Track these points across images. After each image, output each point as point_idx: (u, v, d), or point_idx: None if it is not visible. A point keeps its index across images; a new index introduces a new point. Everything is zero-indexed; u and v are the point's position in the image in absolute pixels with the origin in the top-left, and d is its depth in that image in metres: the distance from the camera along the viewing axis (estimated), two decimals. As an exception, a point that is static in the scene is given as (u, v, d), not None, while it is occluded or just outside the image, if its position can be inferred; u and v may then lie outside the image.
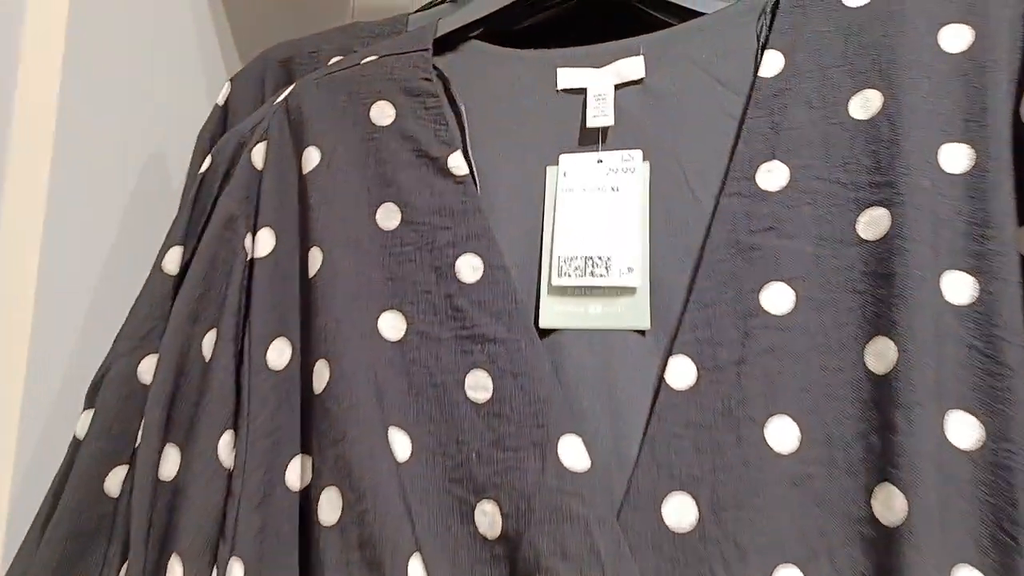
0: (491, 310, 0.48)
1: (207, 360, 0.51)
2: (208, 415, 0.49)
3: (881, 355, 0.42)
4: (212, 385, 0.50)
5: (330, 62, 0.60)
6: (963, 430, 0.41)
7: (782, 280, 0.45)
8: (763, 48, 0.51)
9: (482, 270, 0.49)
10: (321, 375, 0.48)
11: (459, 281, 0.49)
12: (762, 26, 0.51)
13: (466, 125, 0.54)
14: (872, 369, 0.43)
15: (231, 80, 0.63)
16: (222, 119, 0.61)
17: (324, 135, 0.54)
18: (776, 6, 0.51)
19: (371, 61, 0.56)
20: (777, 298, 0.45)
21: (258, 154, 0.55)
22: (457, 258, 0.50)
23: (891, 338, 0.42)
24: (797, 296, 0.45)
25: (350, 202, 0.53)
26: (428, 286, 0.50)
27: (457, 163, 0.51)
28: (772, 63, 0.49)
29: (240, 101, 0.62)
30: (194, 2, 0.71)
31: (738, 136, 0.49)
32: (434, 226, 0.51)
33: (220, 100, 0.63)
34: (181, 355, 0.51)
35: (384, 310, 0.50)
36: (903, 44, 0.47)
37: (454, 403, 0.47)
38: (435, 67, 0.55)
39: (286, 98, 0.56)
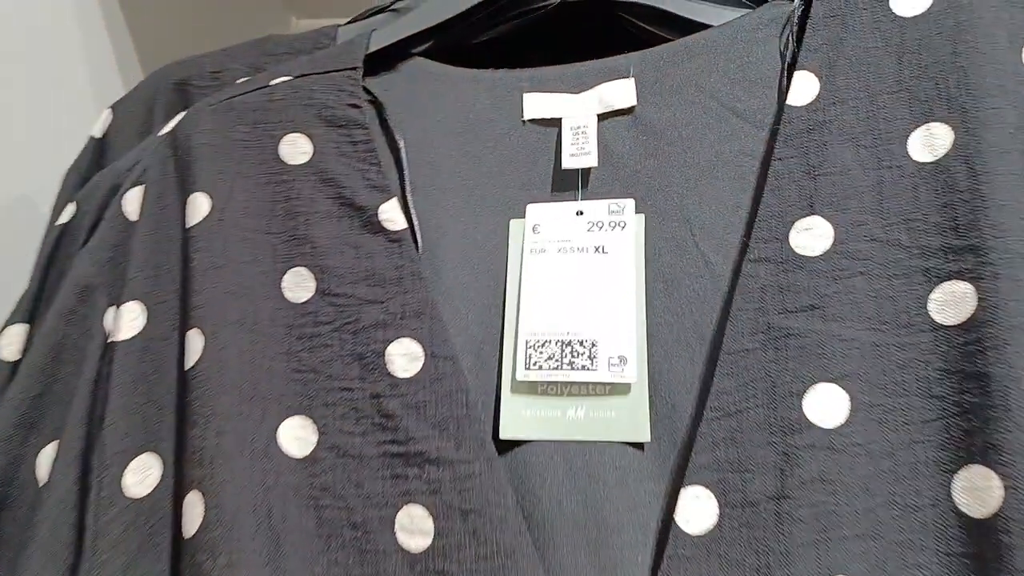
0: (433, 418, 0.35)
1: (40, 485, 0.37)
2: (37, 564, 0.35)
3: (978, 491, 0.30)
4: (43, 522, 0.36)
5: (239, 82, 0.47)
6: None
7: (831, 380, 0.33)
8: (790, 69, 0.39)
9: (422, 361, 0.36)
10: (193, 512, 0.35)
11: (390, 376, 0.36)
12: (788, 41, 0.40)
13: (405, 166, 0.41)
14: (966, 511, 0.30)
15: (112, 107, 0.50)
16: (97, 155, 0.48)
17: (217, 177, 0.41)
18: (805, 16, 0.39)
19: (283, 83, 0.43)
20: (826, 405, 0.33)
21: (132, 202, 0.42)
22: (388, 344, 0.37)
23: (992, 468, 0.30)
24: (852, 402, 0.33)
25: (247, 266, 0.40)
26: (348, 382, 0.37)
27: (392, 215, 0.39)
28: (804, 88, 0.38)
29: (121, 133, 0.49)
30: (80, 3, 0.57)
31: (762, 182, 0.37)
32: (359, 299, 0.38)
33: (96, 131, 0.50)
34: (4, 478, 0.37)
35: (287, 415, 0.37)
36: (978, 64, 0.35)
37: (380, 553, 0.34)
38: (366, 90, 0.43)
39: (173, 129, 0.44)
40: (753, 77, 0.40)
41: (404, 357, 0.37)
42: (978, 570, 0.30)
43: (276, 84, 0.43)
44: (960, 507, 0.31)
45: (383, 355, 0.37)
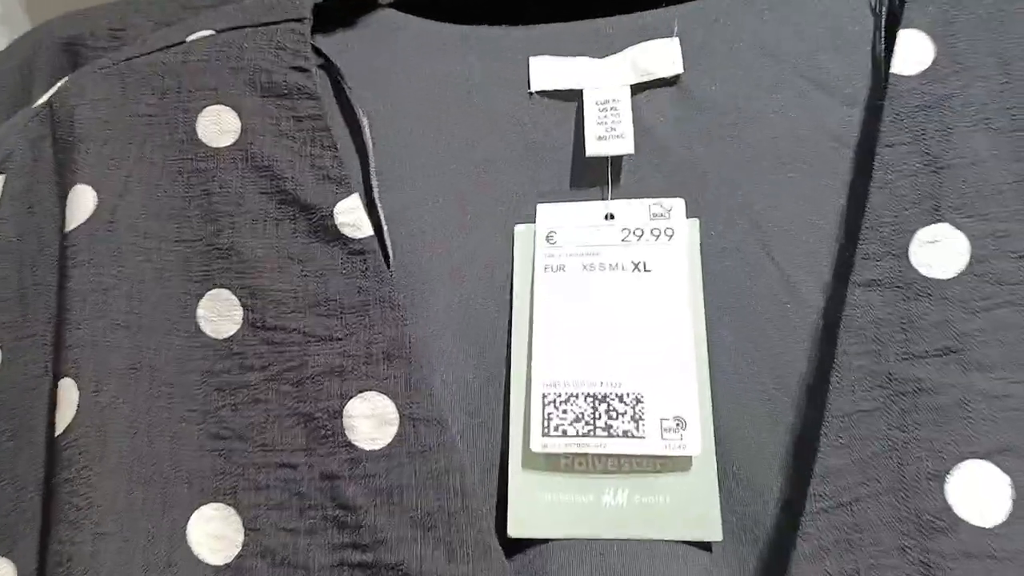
0: (413, 511, 0.25)
1: None
2: None
3: None
4: None
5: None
6: None
7: (983, 456, 0.24)
8: (889, 27, 0.30)
9: (395, 426, 0.26)
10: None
11: (351, 447, 0.26)
12: (883, -11, 0.30)
13: (371, 151, 0.31)
14: None
15: (-23, 73, 0.38)
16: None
17: (110, 164, 0.30)
18: (906, -44, 0.30)
19: (203, 39, 0.32)
20: (979, 492, 0.24)
21: (-11, 197, 0.30)
22: (348, 401, 0.26)
23: None
24: (1016, 488, 0.24)
25: (148, 287, 0.29)
26: (289, 455, 0.26)
27: (352, 217, 0.28)
28: (913, 52, 0.28)
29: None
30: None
31: (859, 178, 0.28)
32: (305, 335, 0.27)
33: (-45, 104, 0.38)
34: None
35: (201, 503, 0.26)
36: None
37: None
38: (317, 51, 0.32)
39: (50, 101, 0.32)
40: (839, 37, 0.31)
41: (370, 420, 0.26)
42: None
43: (194, 40, 0.32)
44: None
45: (340, 416, 0.26)
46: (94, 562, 0.24)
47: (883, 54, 0.30)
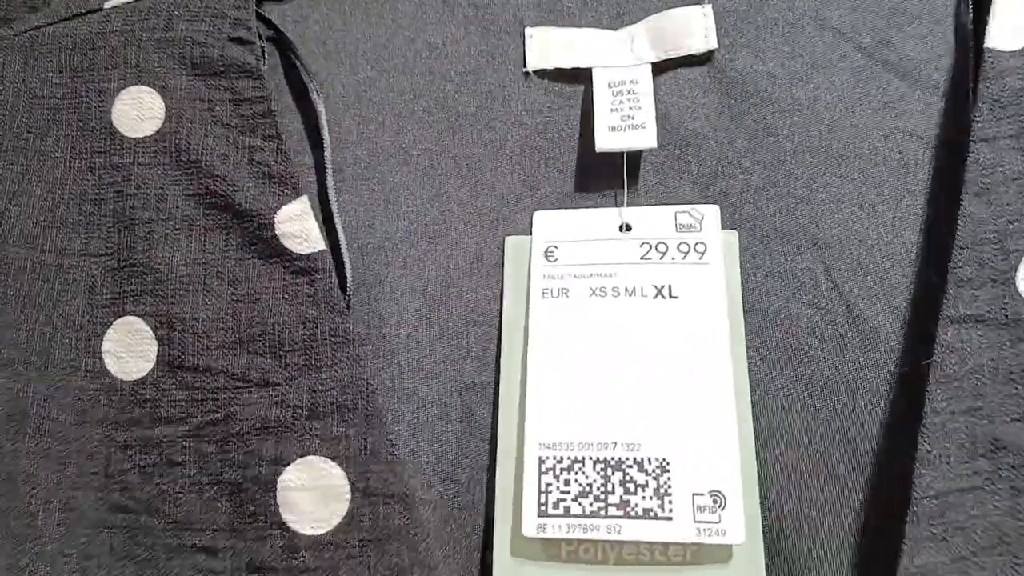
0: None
1: None
2: None
3: None
4: None
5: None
6: None
7: None
8: (978, -8, 0.24)
9: (346, 502, 0.20)
10: None
11: (287, 530, 0.20)
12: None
13: (327, 143, 0.25)
14: None
15: None
16: None
17: (3, 156, 0.24)
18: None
19: (124, 5, 0.27)
20: None
21: None
22: (285, 468, 0.20)
23: None
24: None
25: (40, 314, 0.23)
26: (211, 537, 0.21)
27: (298, 227, 0.23)
28: (1013, 20, 0.23)
29: None
30: None
31: (942, 180, 0.22)
32: (235, 379, 0.22)
33: None
34: None
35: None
36: None
37: None
38: (264, 20, 0.26)
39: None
40: (912, 6, 0.25)
41: (313, 494, 0.20)
42: None
43: (113, 7, 0.27)
44: None
45: (274, 488, 0.20)
46: None
47: (971, 24, 0.24)
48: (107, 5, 0.27)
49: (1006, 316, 0.20)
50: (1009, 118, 0.22)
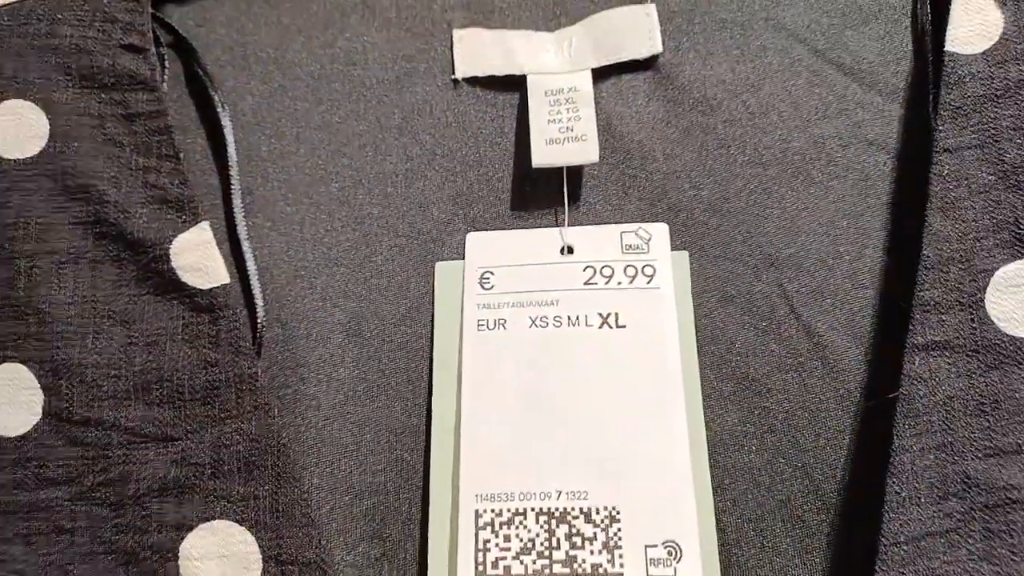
0: None
1: None
2: None
3: None
4: None
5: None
6: None
7: None
8: (937, -12, 0.24)
9: (257, 572, 0.18)
10: None
11: (189, 608, 0.18)
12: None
13: (232, 160, 0.23)
14: None
15: None
16: None
17: None
18: None
19: (3, 7, 0.25)
20: None
21: None
22: (187, 533, 0.19)
23: None
24: None
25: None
26: None
27: (199, 257, 0.21)
28: (973, 22, 0.23)
29: None
30: None
31: (904, 194, 0.22)
32: (129, 433, 0.20)
33: None
34: None
35: None
36: None
37: None
38: (162, 23, 0.25)
39: None
40: (867, 5, 0.25)
41: (220, 563, 0.19)
42: None
43: (-11, 9, 0.25)
44: None
45: (175, 557, 0.19)
46: None
47: (928, 26, 0.23)
48: (-16, 9, 0.25)
49: (975, 342, 0.19)
50: (972, 127, 0.21)
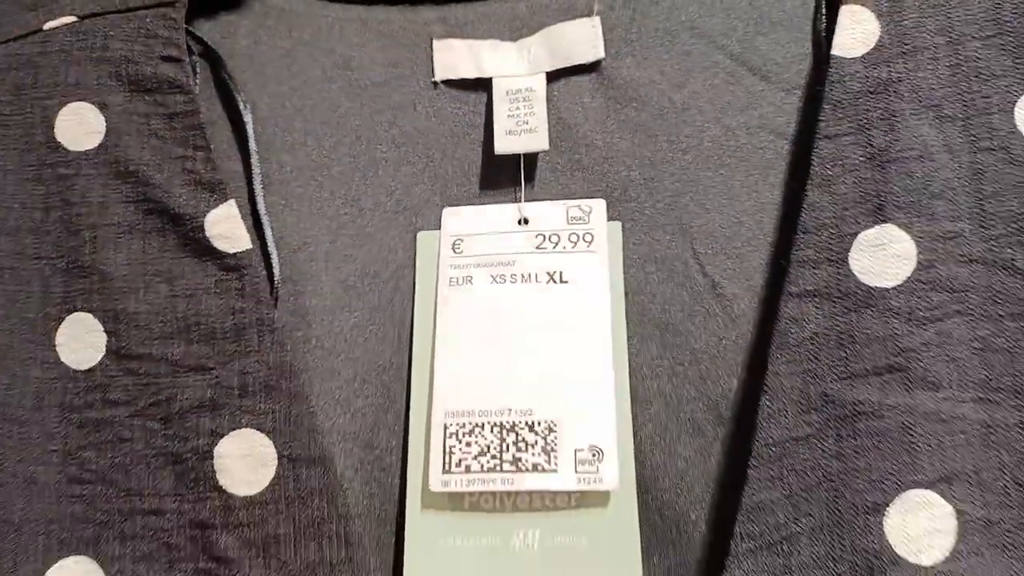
0: (291, 564, 0.24)
1: None
2: None
3: None
4: None
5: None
6: None
7: (925, 485, 0.24)
8: (829, 3, 0.29)
9: (273, 468, 0.25)
10: None
11: (223, 492, 0.25)
12: (823, -40, 0.29)
13: (253, 150, 0.29)
14: None
15: None
16: None
17: (-48, 171, 0.29)
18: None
19: (63, 26, 0.31)
20: (919, 525, 0.23)
21: None
22: (220, 439, 0.25)
23: None
24: (960, 518, 0.23)
25: (2, 310, 0.28)
26: (157, 501, 0.25)
27: (227, 228, 0.27)
28: (856, 30, 0.28)
29: None
30: None
31: (799, 173, 0.27)
32: (174, 365, 0.26)
33: None
34: None
35: (60, 556, 0.25)
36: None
37: None
38: (194, 36, 0.30)
39: None
40: (775, 16, 0.30)
41: (244, 461, 0.25)
42: None
43: (52, 28, 0.31)
44: None
45: (211, 457, 0.25)
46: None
47: (824, 34, 0.29)
48: (46, 26, 0.31)
49: (840, 290, 0.25)
50: (849, 118, 0.26)
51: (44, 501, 0.26)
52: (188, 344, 0.26)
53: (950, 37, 0.27)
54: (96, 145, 0.29)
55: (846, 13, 0.28)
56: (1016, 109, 0.26)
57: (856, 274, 0.25)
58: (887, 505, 0.23)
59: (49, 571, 0.25)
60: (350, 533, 0.24)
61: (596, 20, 0.30)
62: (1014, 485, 0.23)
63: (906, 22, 0.27)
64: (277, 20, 0.32)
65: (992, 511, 0.23)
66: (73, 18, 0.31)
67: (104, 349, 0.27)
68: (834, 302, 0.25)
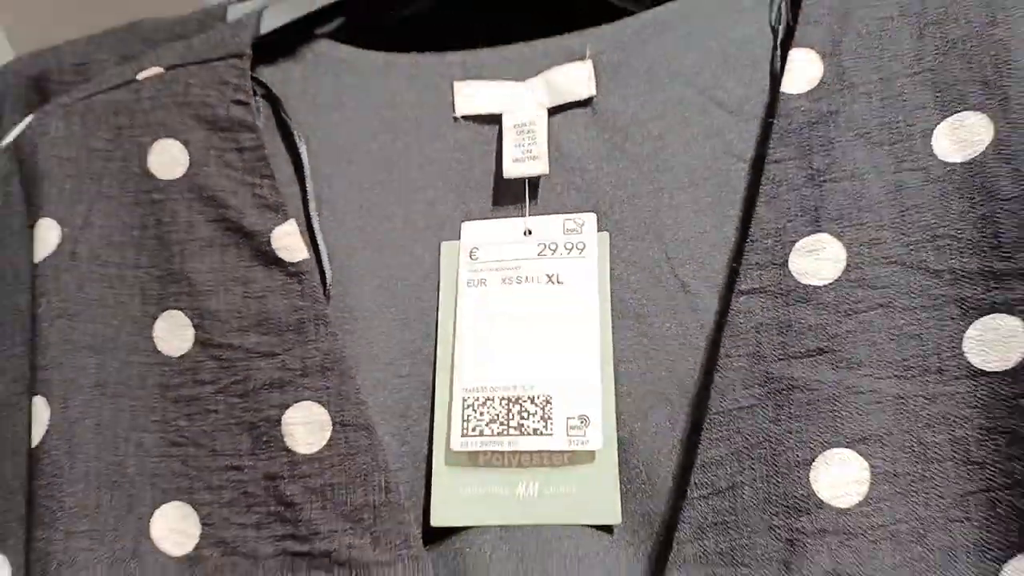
0: (344, 506, 0.30)
1: None
2: None
3: None
4: None
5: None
6: None
7: (846, 444, 0.29)
8: (783, 46, 0.34)
9: (328, 432, 0.31)
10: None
11: (289, 451, 0.31)
12: (780, 10, 0.35)
13: (308, 177, 0.36)
14: None
15: (-52, 109, 0.44)
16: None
17: (71, 198, 0.36)
18: (801, -21, 0.35)
19: (153, 76, 0.38)
20: (840, 477, 0.29)
21: (-35, 230, 0.36)
22: (286, 410, 0.32)
23: None
24: (873, 472, 0.29)
25: (110, 312, 0.35)
26: (238, 459, 0.32)
27: (289, 241, 0.34)
28: (803, 71, 0.33)
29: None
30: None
31: (753, 191, 0.32)
32: (249, 351, 0.33)
33: (-69, 139, 0.43)
34: None
35: (163, 501, 0.32)
36: (1022, 35, 0.31)
37: None
38: (258, 82, 0.37)
39: (17, 138, 0.38)
40: (739, 58, 0.35)
41: (306, 427, 0.31)
42: None
43: (144, 78, 0.38)
44: None
45: (279, 424, 0.32)
46: (66, 557, 0.30)
47: (780, 73, 0.34)
48: (139, 76, 0.38)
49: (780, 288, 0.31)
50: (794, 145, 0.32)
51: (149, 459, 0.33)
52: (260, 335, 0.33)
53: (881, 75, 0.32)
54: (181, 175, 0.36)
55: (795, 55, 0.33)
56: (933, 136, 0.31)
57: (794, 275, 0.31)
58: (813, 460, 0.29)
59: (155, 513, 0.32)
60: (389, 483, 0.30)
61: (588, 63, 0.36)
62: (918, 445, 0.29)
63: (845, 62, 0.33)
64: (326, 67, 0.38)
65: (899, 466, 0.29)
66: (160, 69, 0.38)
67: (192, 340, 0.34)
68: (776, 298, 0.31)
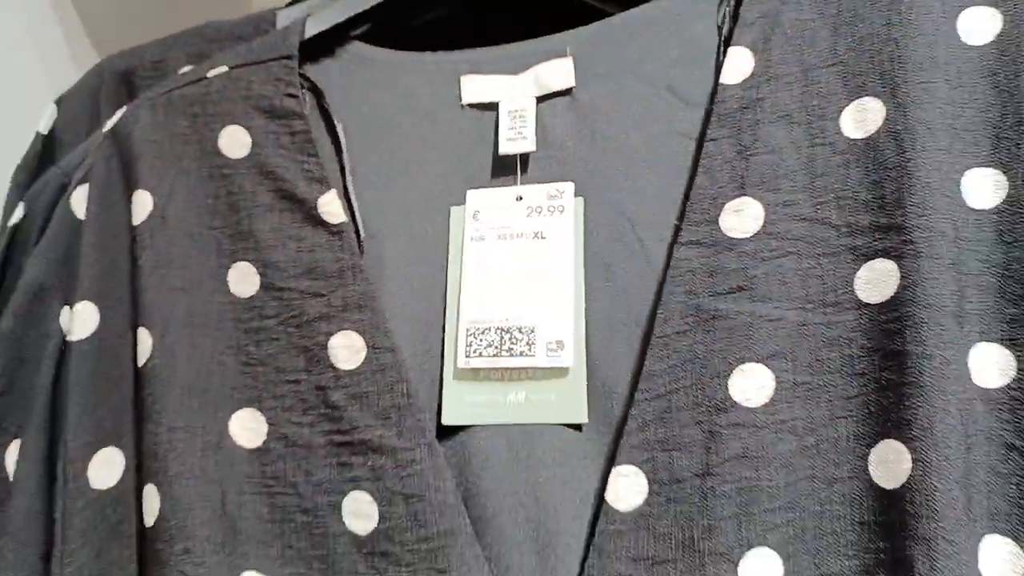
0: (375, 407, 0.40)
1: (9, 480, 0.42)
2: (11, 553, 0.41)
3: (890, 464, 0.35)
4: (15, 515, 0.41)
5: (179, 73, 0.51)
6: (1004, 566, 0.33)
7: (757, 360, 0.37)
8: (726, 44, 0.43)
9: (364, 353, 0.41)
10: (151, 504, 0.40)
11: (334, 368, 0.41)
12: (725, 15, 0.43)
13: (345, 155, 0.45)
14: (879, 483, 0.35)
15: (56, 102, 0.54)
16: (44, 152, 0.53)
17: (159, 173, 0.46)
18: (743, -13, 0.43)
19: (220, 74, 0.47)
20: (751, 384, 0.37)
21: (79, 200, 0.46)
22: (331, 337, 0.41)
23: (902, 442, 0.34)
24: (777, 381, 0.37)
25: (193, 262, 0.44)
26: (295, 374, 0.42)
27: (331, 207, 0.43)
28: (738, 65, 0.41)
29: (69, 128, 0.53)
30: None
31: (696, 164, 0.41)
32: (302, 292, 0.42)
33: (42, 127, 0.54)
34: (-30, 477, 0.42)
35: (238, 407, 0.42)
36: (911, 35, 0.38)
37: (329, 536, 0.39)
38: (304, 77, 0.47)
39: (115, 126, 0.48)
40: (692, 55, 0.43)
41: (347, 349, 0.41)
42: (887, 537, 0.34)
43: (213, 76, 0.47)
44: (874, 479, 0.35)
45: (326, 347, 0.41)
46: (169, 445, 0.41)
47: (721, 67, 0.43)
48: (209, 75, 0.48)
49: (711, 240, 0.39)
50: (727, 126, 0.40)
51: (228, 376, 0.43)
52: (310, 280, 0.43)
53: (802, 67, 0.40)
54: (246, 154, 0.45)
55: (732, 52, 0.41)
56: (841, 117, 0.38)
57: (723, 230, 0.39)
58: (731, 372, 0.37)
59: (232, 416, 0.42)
60: (410, 391, 0.40)
61: (569, 60, 0.44)
62: (815, 361, 0.37)
63: (772, 57, 0.41)
64: (359, 64, 0.48)
65: (799, 376, 0.37)
66: (225, 68, 0.47)
67: (258, 285, 0.43)
68: (707, 248, 0.39)
